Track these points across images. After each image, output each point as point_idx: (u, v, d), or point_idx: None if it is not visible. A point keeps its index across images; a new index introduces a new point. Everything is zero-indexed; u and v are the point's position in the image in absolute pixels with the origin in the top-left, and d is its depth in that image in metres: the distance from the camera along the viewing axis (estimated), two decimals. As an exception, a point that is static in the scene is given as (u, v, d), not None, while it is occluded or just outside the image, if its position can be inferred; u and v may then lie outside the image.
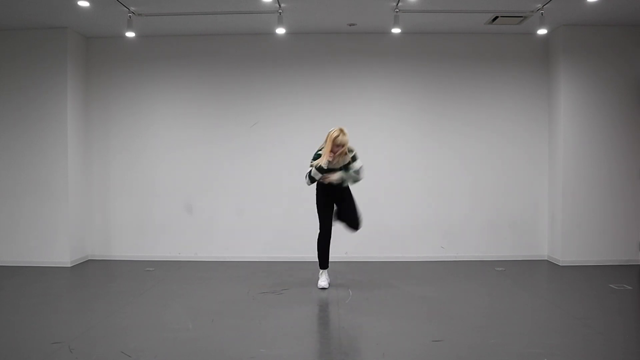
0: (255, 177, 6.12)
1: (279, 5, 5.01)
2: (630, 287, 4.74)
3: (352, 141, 6.01)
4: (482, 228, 6.09)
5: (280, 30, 5.32)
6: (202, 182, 6.15)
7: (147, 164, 6.16)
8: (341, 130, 4.53)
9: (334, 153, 4.50)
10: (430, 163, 6.09)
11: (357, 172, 4.62)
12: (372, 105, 6.10)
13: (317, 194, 4.77)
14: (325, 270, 4.81)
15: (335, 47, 6.07)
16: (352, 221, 4.73)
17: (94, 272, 5.61)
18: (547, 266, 5.79)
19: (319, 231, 4.75)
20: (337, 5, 5.11)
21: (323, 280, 4.77)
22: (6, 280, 5.13)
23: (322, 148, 4.59)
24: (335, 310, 4.12)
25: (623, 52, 5.73)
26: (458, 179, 6.09)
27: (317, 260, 4.80)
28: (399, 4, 5.02)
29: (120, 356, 3.09)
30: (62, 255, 5.78)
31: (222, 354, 3.20)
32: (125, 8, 5.04)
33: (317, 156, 4.61)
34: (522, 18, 5.41)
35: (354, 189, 4.78)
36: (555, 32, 5.83)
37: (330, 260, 4.84)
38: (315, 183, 4.67)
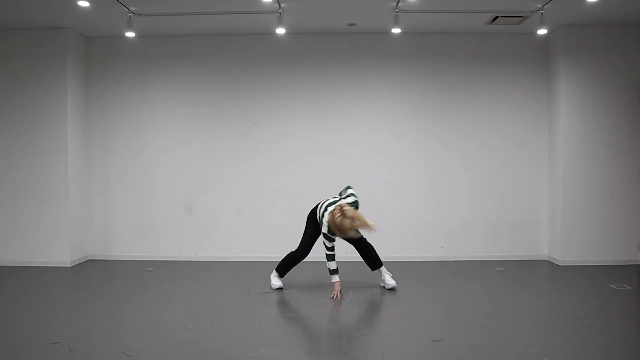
0: (256, 177, 6.12)
1: (279, 5, 5.01)
2: (630, 287, 4.74)
3: (352, 141, 6.09)
4: (482, 228, 6.09)
5: (280, 30, 5.31)
6: (202, 181, 6.15)
7: (147, 164, 6.16)
8: (342, 212, 4.17)
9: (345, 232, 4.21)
10: (430, 163, 6.09)
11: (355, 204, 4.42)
12: (372, 105, 6.09)
13: (309, 219, 4.68)
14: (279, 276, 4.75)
15: (335, 47, 6.07)
16: (367, 250, 4.67)
17: (94, 272, 5.61)
18: (547, 266, 5.79)
19: (296, 249, 4.65)
20: (337, 5, 5.11)
21: (277, 281, 4.72)
22: (6, 280, 5.13)
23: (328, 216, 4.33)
24: (335, 311, 4.12)
25: (623, 52, 5.72)
26: (458, 179, 6.09)
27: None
28: (399, 4, 5.02)
29: (120, 356, 3.09)
30: (62, 255, 5.78)
31: (222, 354, 3.20)
32: (125, 8, 5.04)
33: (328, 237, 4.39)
34: (522, 18, 5.41)
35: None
36: (555, 32, 5.83)
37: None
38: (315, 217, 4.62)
